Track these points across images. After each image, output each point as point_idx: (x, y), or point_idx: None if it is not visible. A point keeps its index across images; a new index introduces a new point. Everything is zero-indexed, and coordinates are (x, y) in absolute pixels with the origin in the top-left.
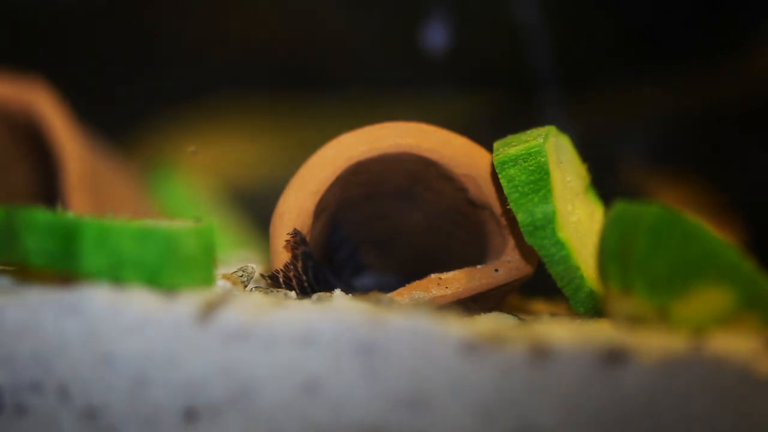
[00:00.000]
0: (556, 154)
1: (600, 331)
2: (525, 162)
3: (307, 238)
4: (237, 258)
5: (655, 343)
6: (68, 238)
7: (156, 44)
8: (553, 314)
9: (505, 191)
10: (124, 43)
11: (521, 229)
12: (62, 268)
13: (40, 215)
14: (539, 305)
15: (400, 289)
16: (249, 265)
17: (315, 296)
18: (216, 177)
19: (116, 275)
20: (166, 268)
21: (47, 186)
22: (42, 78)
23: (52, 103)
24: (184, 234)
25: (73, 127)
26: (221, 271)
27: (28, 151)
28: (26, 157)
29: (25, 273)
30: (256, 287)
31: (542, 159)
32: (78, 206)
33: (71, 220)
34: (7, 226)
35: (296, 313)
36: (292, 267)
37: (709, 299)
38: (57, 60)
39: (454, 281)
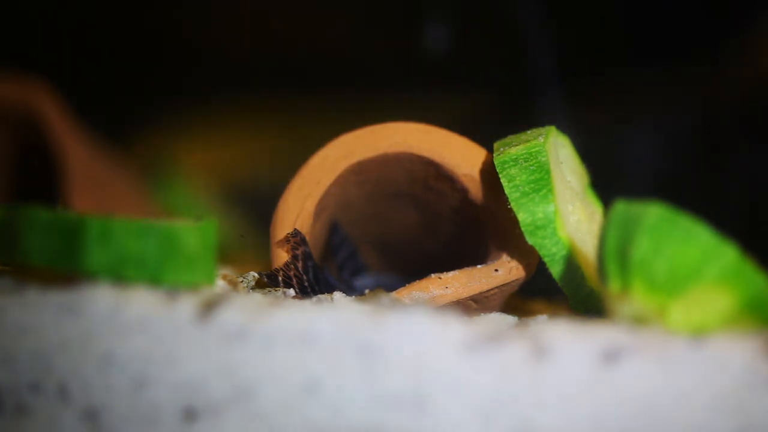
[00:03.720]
0: (556, 153)
1: (600, 331)
2: (526, 162)
3: (307, 238)
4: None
5: (654, 342)
6: (71, 236)
7: (156, 44)
8: (553, 314)
9: (506, 191)
10: (124, 43)
11: (522, 229)
12: (64, 266)
13: (42, 214)
14: (539, 305)
15: (400, 289)
16: (250, 273)
17: (315, 298)
18: (216, 177)
19: (118, 273)
20: (167, 266)
21: (47, 186)
22: (42, 78)
23: (52, 103)
24: (185, 231)
25: (73, 127)
26: (221, 271)
27: (28, 151)
28: (26, 157)
29: (25, 273)
30: (253, 289)
31: (543, 159)
32: (78, 206)
33: (74, 218)
34: (8, 226)
35: (296, 312)
36: (292, 266)
37: (709, 299)
38: (57, 60)
39: (454, 281)
